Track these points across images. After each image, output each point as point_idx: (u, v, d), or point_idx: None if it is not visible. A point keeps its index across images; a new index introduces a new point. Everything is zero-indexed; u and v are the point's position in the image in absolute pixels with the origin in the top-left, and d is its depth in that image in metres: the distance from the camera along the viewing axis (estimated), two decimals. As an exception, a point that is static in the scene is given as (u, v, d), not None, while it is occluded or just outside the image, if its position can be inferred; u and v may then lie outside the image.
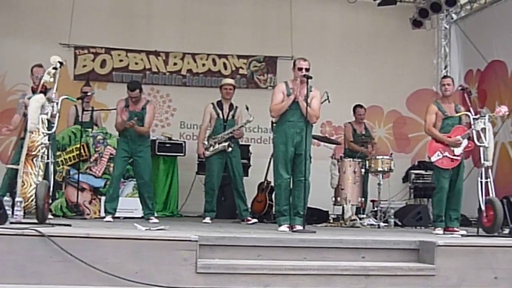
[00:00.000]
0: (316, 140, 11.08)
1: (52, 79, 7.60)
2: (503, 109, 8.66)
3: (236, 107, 10.37)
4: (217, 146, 10.12)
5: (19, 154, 8.18)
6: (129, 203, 10.26)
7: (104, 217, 9.54)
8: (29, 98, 8.14)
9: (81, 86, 11.32)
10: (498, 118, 10.07)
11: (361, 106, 11.75)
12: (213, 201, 10.18)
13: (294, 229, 8.04)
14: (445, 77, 9.77)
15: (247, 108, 10.21)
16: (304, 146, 8.16)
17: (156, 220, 9.17)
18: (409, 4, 13.89)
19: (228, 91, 10.34)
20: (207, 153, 10.19)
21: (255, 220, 10.20)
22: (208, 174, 10.34)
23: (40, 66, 9.15)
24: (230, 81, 10.78)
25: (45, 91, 8.05)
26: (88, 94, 10.53)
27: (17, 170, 7.83)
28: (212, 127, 10.29)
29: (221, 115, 10.25)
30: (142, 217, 9.71)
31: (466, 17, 13.81)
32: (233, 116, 10.28)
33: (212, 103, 10.35)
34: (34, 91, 8.77)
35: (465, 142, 8.69)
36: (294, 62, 8.58)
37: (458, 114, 8.83)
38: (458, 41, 14.06)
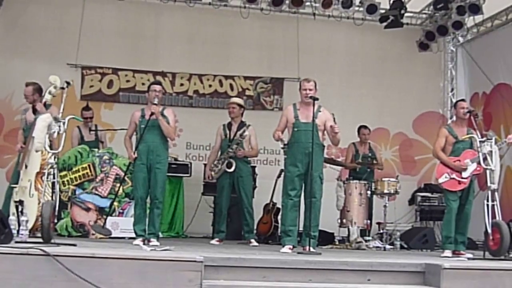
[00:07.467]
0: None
1: (49, 98, 7.75)
2: None
3: (248, 125, 10.23)
4: (219, 166, 10.12)
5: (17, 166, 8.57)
6: (135, 223, 10.19)
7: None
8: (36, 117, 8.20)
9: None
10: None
11: (365, 127, 11.74)
12: (221, 221, 10.18)
13: (305, 251, 8.07)
14: (463, 100, 9.69)
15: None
16: (313, 166, 8.23)
17: (156, 243, 8.37)
18: (415, 27, 13.96)
19: (232, 110, 10.28)
20: (214, 174, 10.21)
21: (256, 244, 10.04)
22: (217, 195, 10.40)
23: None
24: (235, 99, 10.71)
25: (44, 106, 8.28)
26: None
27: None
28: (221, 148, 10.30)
29: (228, 135, 10.22)
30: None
31: (472, 40, 13.84)
32: (240, 135, 10.11)
33: (224, 125, 10.34)
34: (34, 106, 8.85)
35: (473, 166, 8.66)
36: (300, 84, 8.67)
37: (464, 137, 8.81)
38: (464, 64, 14.09)
